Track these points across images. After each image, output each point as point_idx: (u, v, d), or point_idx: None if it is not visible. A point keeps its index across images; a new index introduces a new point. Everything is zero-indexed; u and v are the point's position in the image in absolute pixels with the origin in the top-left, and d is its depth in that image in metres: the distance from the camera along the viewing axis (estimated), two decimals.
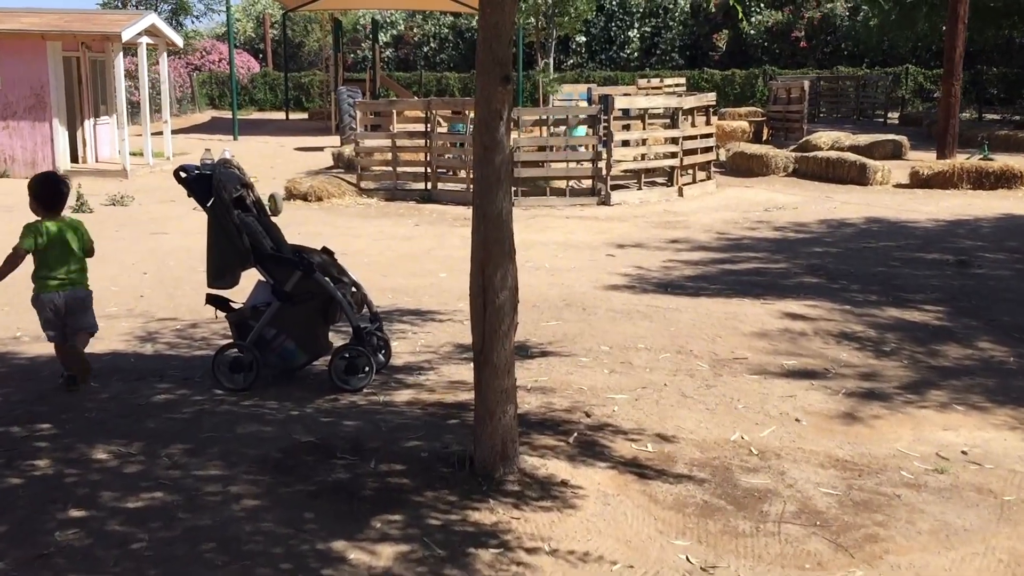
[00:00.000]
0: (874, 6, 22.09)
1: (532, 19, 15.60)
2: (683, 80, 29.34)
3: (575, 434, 4.65)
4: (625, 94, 20.63)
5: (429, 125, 13.77)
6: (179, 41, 17.43)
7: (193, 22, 19.50)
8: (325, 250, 5.90)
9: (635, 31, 39.01)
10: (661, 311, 7.17)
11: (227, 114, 37.96)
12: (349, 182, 14.29)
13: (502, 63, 3.66)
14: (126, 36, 15.10)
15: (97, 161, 16.81)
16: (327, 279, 5.61)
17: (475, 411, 4.10)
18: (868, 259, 9.55)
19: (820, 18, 35.23)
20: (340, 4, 32.66)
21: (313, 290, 5.45)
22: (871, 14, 23.09)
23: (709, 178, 14.68)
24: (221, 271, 5.37)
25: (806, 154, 16.52)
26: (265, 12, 46.96)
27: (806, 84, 21.45)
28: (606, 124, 12.93)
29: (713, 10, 36.83)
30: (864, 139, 18.65)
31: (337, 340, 6.03)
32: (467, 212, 12.78)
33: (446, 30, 44.80)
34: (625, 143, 13.53)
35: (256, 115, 37.51)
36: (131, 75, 23.24)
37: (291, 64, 44.76)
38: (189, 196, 5.46)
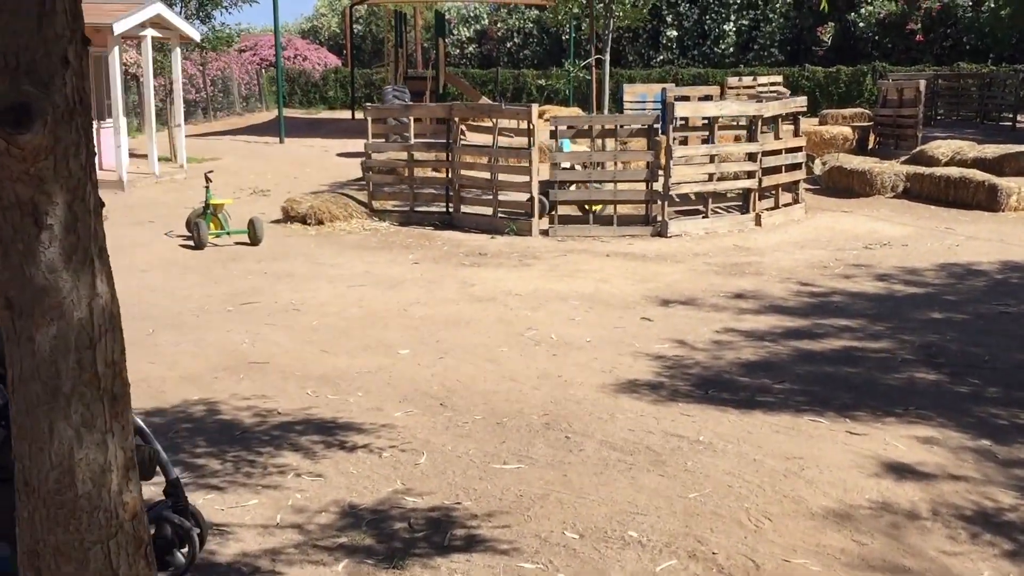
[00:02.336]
0: None
1: (575, 8, 12.97)
2: (780, 79, 26.30)
3: None
4: (706, 96, 17.91)
5: (451, 135, 11.42)
6: (195, 35, 15.54)
7: (223, 14, 17.65)
8: None
9: (731, 24, 35.97)
10: (684, 448, 4.64)
11: (296, 112, 36.51)
12: (361, 201, 12.06)
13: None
14: (120, 28, 13.20)
15: (102, 169, 15.03)
16: None
17: None
18: (1008, 335, 6.79)
19: (939, 9, 31.55)
20: None
21: None
22: (1001, 3, 19.72)
23: (796, 202, 11.93)
24: None
25: (920, 170, 13.57)
26: (347, 7, 45.57)
27: (922, 84, 18.32)
28: (682, 137, 10.35)
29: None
30: (992, 150, 15.50)
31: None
32: (487, 243, 10.38)
33: (531, 24, 42.56)
34: (688, 160, 10.93)
35: (325, 114, 35.89)
36: (155, 73, 21.41)
37: (375, 60, 43.01)
38: None
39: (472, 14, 44.37)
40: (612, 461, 4.46)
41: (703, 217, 10.93)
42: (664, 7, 37.55)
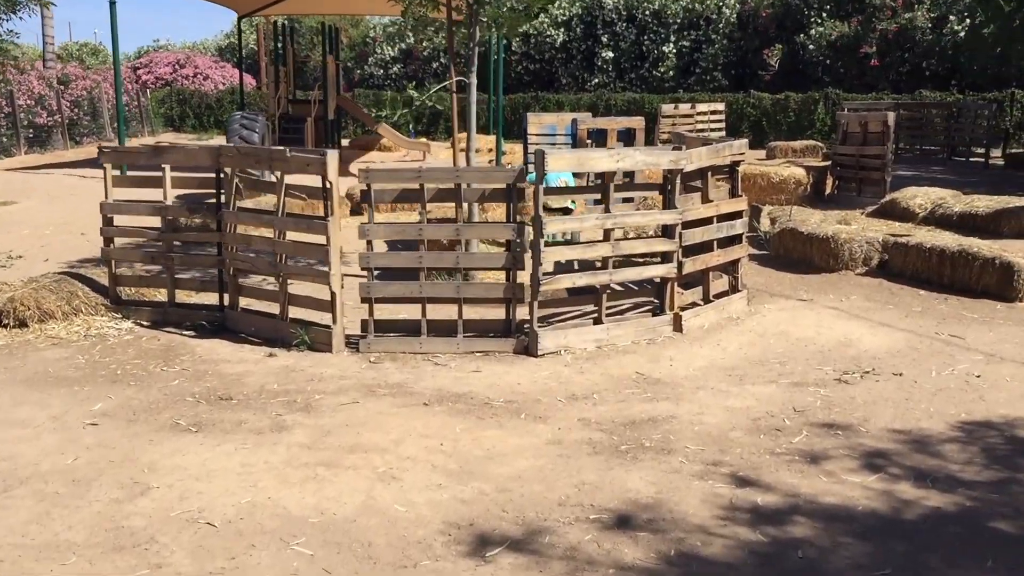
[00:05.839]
0: (989, 8, 15.48)
1: (428, 10, 9.27)
2: (721, 106, 22.99)
3: None
4: (628, 129, 14.29)
5: (223, 193, 7.62)
6: None
7: (10, 19, 13.74)
8: None
9: (671, 45, 32.72)
10: None
11: (184, 138, 32.34)
12: (104, 288, 8.20)
13: None
14: None
15: None
16: None
17: None
18: None
19: (896, 31, 28.56)
20: (298, 9, 26.89)
21: None
22: (984, 20, 16.51)
23: (735, 289, 8.31)
24: None
25: (902, 237, 10.06)
26: (259, 23, 41.68)
27: (890, 117, 14.98)
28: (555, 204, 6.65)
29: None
30: (983, 203, 12.12)
31: None
32: (252, 368, 6.26)
33: (458, 44, 38.89)
34: (570, 236, 7.28)
35: (217, 140, 31.82)
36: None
37: (297, 79, 39.03)
38: None
39: (397, 30, 40.81)
40: None
41: (595, 322, 7.23)
42: (599, 26, 34.27)
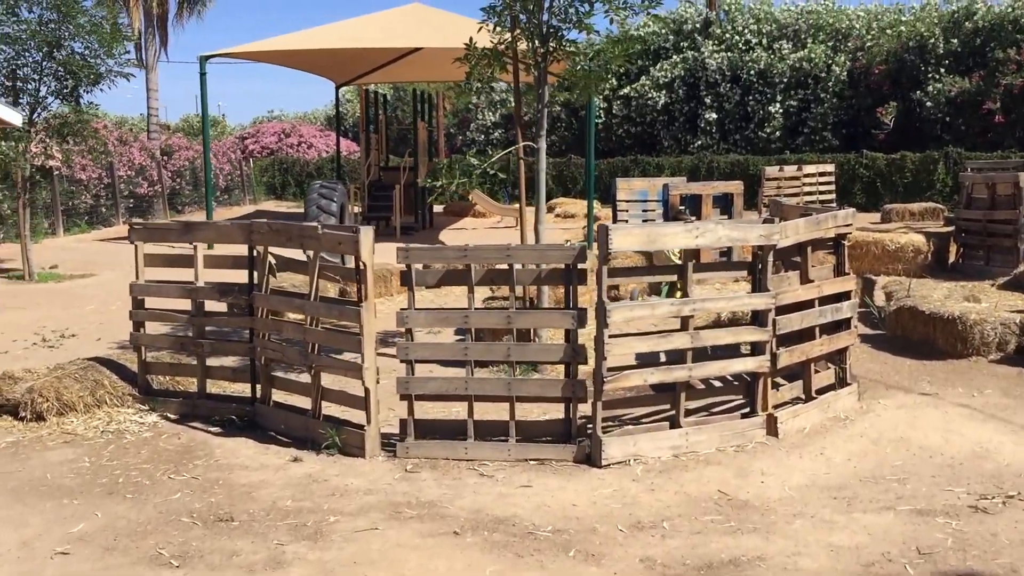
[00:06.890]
0: None
1: (495, 71, 8.34)
2: (831, 167, 21.56)
3: None
4: (726, 193, 13.20)
5: (256, 273, 6.89)
6: (15, 119, 11.38)
7: (92, 92, 13.82)
8: None
9: (778, 105, 31.38)
10: None
11: (283, 206, 32.55)
12: (133, 375, 7.53)
13: None
14: None
15: None
16: None
17: None
18: None
19: (1022, 85, 26.62)
20: (392, 77, 26.85)
21: None
22: None
23: (843, 383, 7.06)
24: None
25: None
26: (363, 90, 42.34)
27: (1022, 178, 13.42)
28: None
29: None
30: None
31: None
32: (270, 477, 5.50)
33: (558, 108, 38.55)
34: (637, 325, 6.23)
35: None
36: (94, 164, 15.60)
37: (401, 146, 39.31)
38: None
39: (499, 97, 40.74)
40: None
41: (671, 426, 6.12)
42: (703, 87, 33.25)
